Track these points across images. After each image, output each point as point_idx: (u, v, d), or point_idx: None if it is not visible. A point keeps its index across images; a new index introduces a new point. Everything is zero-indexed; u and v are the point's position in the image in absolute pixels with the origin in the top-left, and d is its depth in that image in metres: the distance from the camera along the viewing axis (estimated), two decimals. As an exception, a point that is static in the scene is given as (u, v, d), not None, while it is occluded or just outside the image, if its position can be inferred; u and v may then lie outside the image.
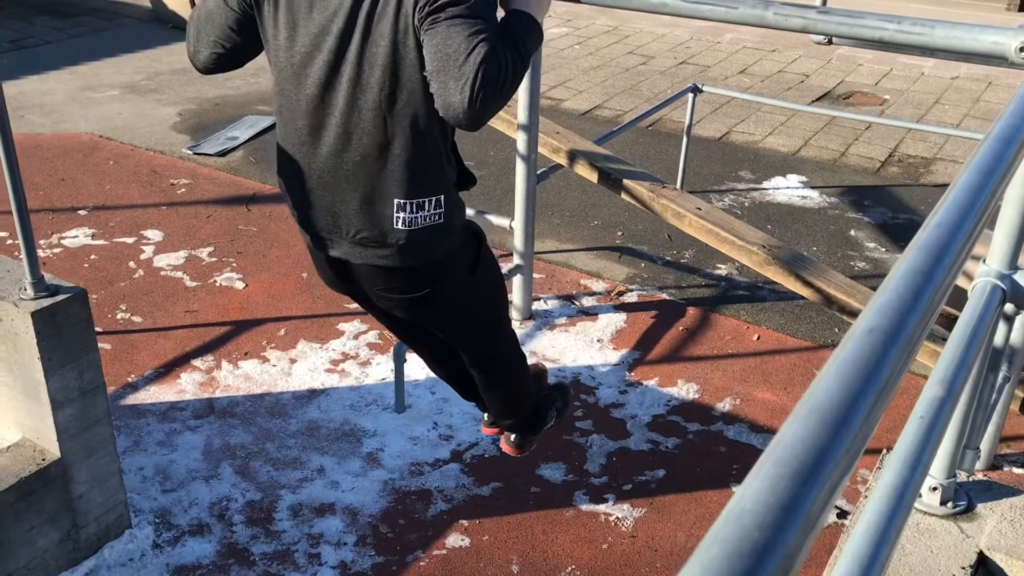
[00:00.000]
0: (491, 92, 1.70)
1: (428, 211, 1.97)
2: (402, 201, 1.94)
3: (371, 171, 1.94)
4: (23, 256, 2.69)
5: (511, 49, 1.76)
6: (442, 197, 1.98)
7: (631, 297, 4.70)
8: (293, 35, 1.92)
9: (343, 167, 1.96)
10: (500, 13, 1.92)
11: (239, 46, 2.05)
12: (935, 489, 1.43)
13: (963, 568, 1.31)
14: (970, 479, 1.49)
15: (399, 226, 1.97)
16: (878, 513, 0.97)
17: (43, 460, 2.84)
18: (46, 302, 2.69)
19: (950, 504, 1.42)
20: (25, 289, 2.70)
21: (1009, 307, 1.31)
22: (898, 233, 5.38)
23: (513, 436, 2.78)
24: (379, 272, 2.07)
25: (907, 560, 1.34)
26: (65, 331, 2.74)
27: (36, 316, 2.65)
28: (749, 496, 0.43)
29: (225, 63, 2.11)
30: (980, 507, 1.43)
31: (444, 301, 2.18)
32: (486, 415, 2.82)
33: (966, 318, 1.18)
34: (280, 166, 2.12)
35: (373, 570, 3.04)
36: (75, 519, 2.96)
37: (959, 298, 1.46)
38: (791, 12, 1.28)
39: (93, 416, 2.91)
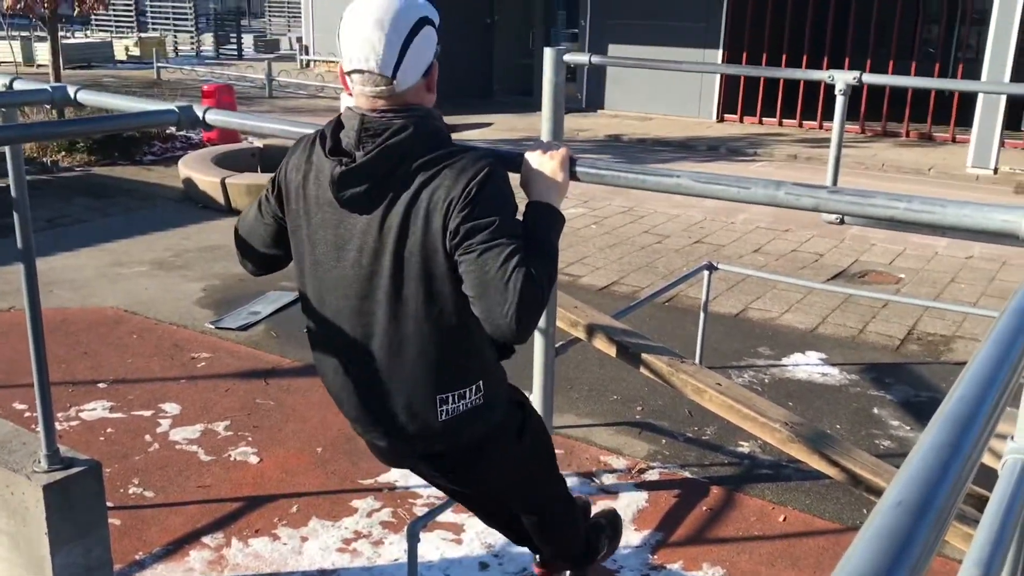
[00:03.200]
0: (533, 311, 1.78)
1: (469, 398, 1.99)
2: (444, 395, 1.97)
3: (416, 374, 1.97)
4: (40, 428, 2.69)
5: (542, 259, 1.82)
6: (481, 382, 2.01)
7: (652, 475, 4.60)
8: (326, 251, 1.96)
9: (384, 373, 1.99)
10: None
11: (282, 256, 2.14)
12: None
13: None
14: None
15: (442, 418, 1.99)
16: None
17: (41, 643, 2.73)
18: (59, 475, 2.66)
19: None
20: (39, 462, 2.68)
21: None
22: (921, 411, 5.30)
23: (568, 573, 2.71)
24: (426, 456, 2.10)
25: None
26: (76, 505, 2.70)
27: (48, 489, 2.62)
28: None
29: (274, 266, 2.21)
30: None
31: (494, 470, 2.19)
32: (538, 556, 2.75)
33: (998, 496, 1.15)
34: (322, 369, 2.13)
35: None
36: None
37: (989, 479, 1.43)
38: (802, 192, 1.31)
39: (97, 596, 2.82)
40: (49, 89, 2.34)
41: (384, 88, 1.78)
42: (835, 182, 2.65)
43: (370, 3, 1.76)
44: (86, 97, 2.32)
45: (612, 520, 2.91)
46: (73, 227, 8.66)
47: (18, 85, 2.43)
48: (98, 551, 2.78)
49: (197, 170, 9.69)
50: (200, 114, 2.10)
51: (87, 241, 8.23)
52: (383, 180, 1.78)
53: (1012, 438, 1.28)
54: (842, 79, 3.37)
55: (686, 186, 1.45)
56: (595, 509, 4.26)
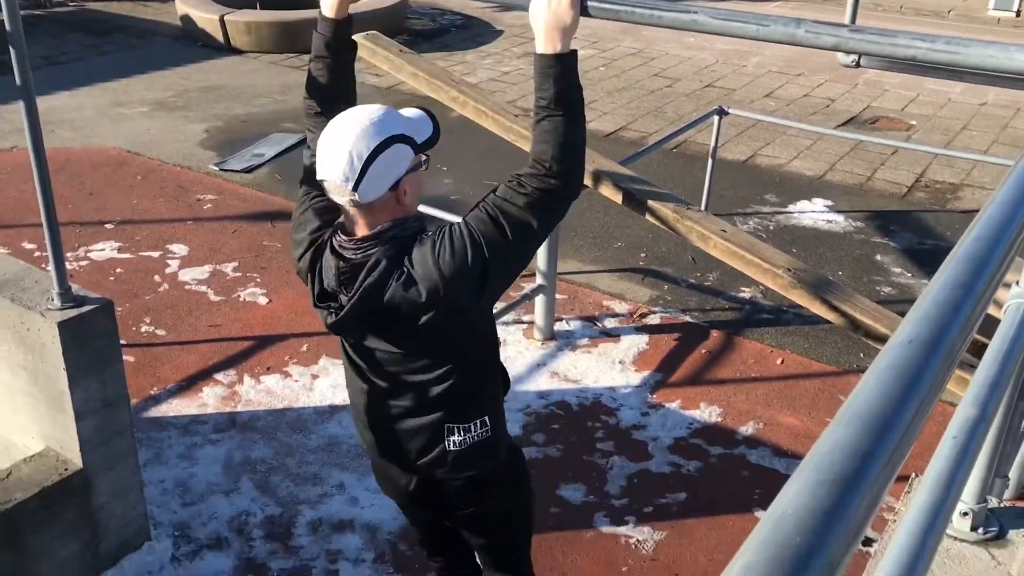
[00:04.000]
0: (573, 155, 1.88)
1: (475, 431, 2.09)
2: (451, 426, 2.07)
3: (426, 413, 2.06)
4: (51, 267, 2.71)
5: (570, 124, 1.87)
6: (487, 417, 2.10)
7: (654, 319, 4.67)
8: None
9: (397, 412, 2.09)
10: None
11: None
12: (966, 515, 1.40)
13: (995, 595, 1.28)
14: (1001, 506, 1.46)
15: (451, 448, 2.09)
16: (911, 535, 0.95)
17: (65, 470, 2.85)
18: (72, 313, 2.70)
19: (981, 530, 1.39)
20: (52, 299, 2.72)
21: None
22: (925, 259, 5.33)
23: None
24: (435, 488, 2.18)
25: (938, 587, 1.31)
26: (90, 342, 2.75)
27: (62, 326, 2.67)
28: (790, 501, 0.41)
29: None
30: (1012, 534, 1.40)
31: (488, 513, 2.26)
32: None
33: (999, 340, 1.16)
34: (351, 406, 2.27)
35: (391, 588, 3.02)
36: (95, 530, 2.97)
37: (989, 328, 1.44)
38: (822, 30, 1.27)
39: (116, 428, 2.92)
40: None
41: (348, 199, 1.85)
42: (853, 22, 2.55)
43: (345, 120, 1.86)
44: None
45: None
46: (70, 65, 8.47)
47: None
48: (114, 386, 2.85)
49: (194, 6, 9.39)
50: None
51: (86, 80, 8.06)
52: (372, 310, 1.89)
53: (1017, 283, 1.29)
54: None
55: (703, 23, 1.40)
56: (597, 353, 4.36)
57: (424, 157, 1.95)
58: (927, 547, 0.94)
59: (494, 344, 2.14)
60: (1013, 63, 1.16)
